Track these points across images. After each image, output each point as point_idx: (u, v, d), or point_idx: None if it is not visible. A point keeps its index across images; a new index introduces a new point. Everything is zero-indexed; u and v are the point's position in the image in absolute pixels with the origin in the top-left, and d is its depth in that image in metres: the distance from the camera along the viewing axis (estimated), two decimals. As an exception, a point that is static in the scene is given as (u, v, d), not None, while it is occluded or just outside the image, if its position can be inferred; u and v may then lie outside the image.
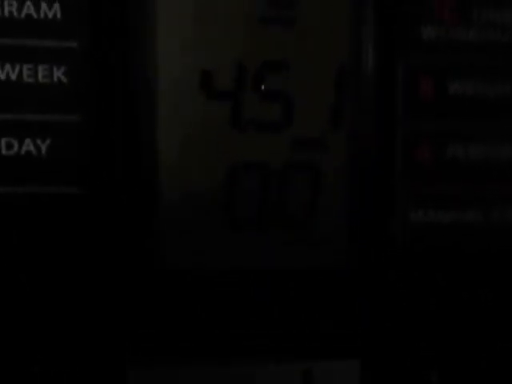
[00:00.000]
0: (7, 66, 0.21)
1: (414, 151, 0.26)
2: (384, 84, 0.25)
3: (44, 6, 0.21)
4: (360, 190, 0.26)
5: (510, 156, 0.26)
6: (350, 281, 0.25)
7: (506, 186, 0.26)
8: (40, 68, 0.22)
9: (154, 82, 0.24)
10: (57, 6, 0.21)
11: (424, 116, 0.26)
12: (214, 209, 0.25)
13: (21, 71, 0.21)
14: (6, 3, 0.21)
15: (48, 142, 0.22)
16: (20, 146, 0.22)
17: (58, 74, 0.22)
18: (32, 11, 0.21)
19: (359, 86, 0.26)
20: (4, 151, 0.21)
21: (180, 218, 0.25)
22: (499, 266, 0.26)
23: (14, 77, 0.21)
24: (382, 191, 0.26)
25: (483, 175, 0.26)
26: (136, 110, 0.23)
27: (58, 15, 0.21)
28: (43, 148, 0.22)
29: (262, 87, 0.25)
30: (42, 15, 0.21)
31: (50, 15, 0.21)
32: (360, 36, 0.25)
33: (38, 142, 0.22)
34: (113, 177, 0.22)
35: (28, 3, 0.21)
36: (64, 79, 0.22)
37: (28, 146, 0.22)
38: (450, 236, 0.26)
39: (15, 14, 0.21)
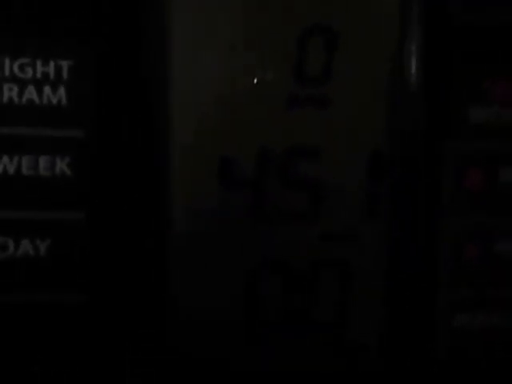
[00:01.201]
0: (5, 159, 0.19)
1: (460, 249, 0.23)
2: (427, 173, 0.23)
3: (47, 90, 0.19)
4: (397, 292, 0.23)
5: None
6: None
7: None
8: (41, 159, 0.19)
9: (167, 172, 0.21)
10: (62, 90, 0.19)
11: (472, 209, 0.23)
12: (232, 315, 0.23)
13: (19, 163, 0.19)
14: (5, 87, 0.19)
15: (48, 242, 0.19)
16: (16, 247, 0.19)
17: (62, 165, 0.19)
18: (34, 96, 0.19)
19: (396, 173, 0.23)
20: (-2, 253, 0.19)
21: (195, 324, 0.22)
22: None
23: (11, 170, 0.19)
24: (421, 293, 0.23)
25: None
26: (149, 206, 0.21)
27: (63, 101, 0.19)
28: (42, 249, 0.19)
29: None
30: (44, 101, 0.19)
31: (55, 101, 0.19)
32: (402, 119, 0.23)
33: (37, 242, 0.19)
34: (120, 283, 0.20)
35: (30, 87, 0.19)
36: (67, 171, 0.19)
37: (25, 246, 0.19)
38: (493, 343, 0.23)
39: (15, 99, 0.19)
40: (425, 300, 0.23)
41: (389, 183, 0.23)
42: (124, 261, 0.20)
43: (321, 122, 0.22)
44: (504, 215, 0.23)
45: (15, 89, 0.19)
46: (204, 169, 0.22)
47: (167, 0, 0.20)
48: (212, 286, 0.22)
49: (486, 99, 0.23)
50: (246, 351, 0.23)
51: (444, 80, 0.22)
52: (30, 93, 0.19)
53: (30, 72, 0.19)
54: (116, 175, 0.19)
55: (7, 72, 0.19)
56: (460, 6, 0.22)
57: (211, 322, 0.22)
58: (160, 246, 0.21)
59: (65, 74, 0.19)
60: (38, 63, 0.19)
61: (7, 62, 0.19)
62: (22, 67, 0.19)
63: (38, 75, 0.19)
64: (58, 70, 0.19)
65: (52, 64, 0.19)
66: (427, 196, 0.23)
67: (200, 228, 0.22)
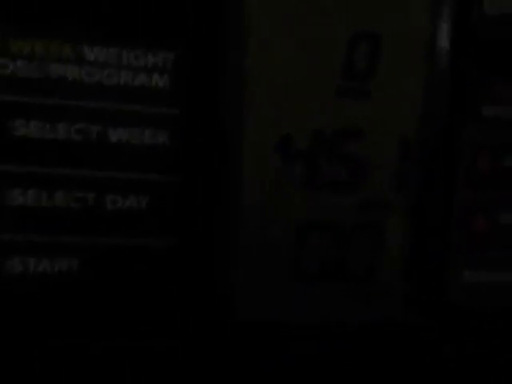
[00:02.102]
0: (120, 129, 0.24)
1: (469, 220, 0.28)
2: (445, 156, 0.28)
3: (156, 76, 0.24)
4: (418, 253, 0.28)
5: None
6: (405, 335, 0.28)
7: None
8: (146, 132, 0.24)
9: (239, 145, 0.26)
10: (166, 76, 0.24)
11: (480, 187, 0.28)
12: (284, 262, 0.27)
13: (130, 134, 0.24)
14: (122, 73, 0.23)
15: (147, 198, 0.24)
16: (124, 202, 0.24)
17: (163, 137, 0.24)
18: (144, 81, 0.24)
19: (422, 157, 0.28)
20: (109, 206, 0.24)
21: (254, 269, 0.27)
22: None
23: (124, 138, 0.24)
24: (438, 253, 0.28)
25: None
26: (225, 171, 0.25)
27: (167, 85, 0.24)
28: (143, 204, 0.24)
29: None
30: (153, 83, 0.24)
31: (161, 84, 0.24)
32: (429, 111, 0.28)
33: (140, 198, 0.24)
34: (202, 230, 0.24)
35: (142, 74, 0.24)
36: (167, 142, 0.24)
37: (131, 201, 0.24)
38: (501, 296, 0.29)
39: (130, 82, 0.23)
40: (441, 258, 0.28)
41: (415, 163, 0.28)
42: (208, 212, 0.24)
43: (363, 110, 0.27)
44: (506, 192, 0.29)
45: (130, 74, 0.23)
46: (268, 145, 0.27)
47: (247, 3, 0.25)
48: (270, 239, 0.27)
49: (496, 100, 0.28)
50: (293, 298, 0.28)
51: (463, 84, 0.27)
52: (142, 78, 0.24)
53: (142, 61, 0.23)
54: (203, 148, 0.24)
55: (125, 61, 0.23)
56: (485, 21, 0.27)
57: (266, 272, 0.28)
58: (231, 206, 0.26)
59: (169, 64, 0.23)
60: (150, 54, 0.23)
61: (124, 52, 0.23)
62: (136, 57, 0.23)
63: (149, 65, 0.23)
64: (165, 60, 0.23)
65: (160, 55, 0.23)
66: (445, 176, 0.28)
67: (263, 195, 0.27)
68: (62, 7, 0.23)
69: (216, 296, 0.26)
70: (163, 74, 0.24)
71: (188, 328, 0.25)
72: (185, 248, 0.24)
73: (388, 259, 0.29)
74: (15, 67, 0.23)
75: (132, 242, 0.24)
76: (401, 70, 0.28)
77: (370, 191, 0.28)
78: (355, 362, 0.27)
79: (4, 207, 0.23)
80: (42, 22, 0.22)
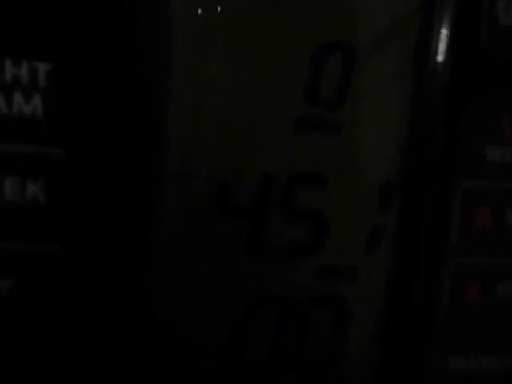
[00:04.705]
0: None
1: (463, 289, 0.22)
2: (436, 209, 0.21)
3: (18, 97, 0.15)
4: (393, 333, 0.22)
5: None
6: None
7: None
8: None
9: (158, 197, 0.18)
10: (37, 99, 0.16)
11: (478, 249, 0.22)
12: (217, 351, 0.20)
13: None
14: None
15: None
16: None
17: (33, 189, 0.16)
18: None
19: (406, 208, 0.21)
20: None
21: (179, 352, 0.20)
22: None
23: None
24: (419, 334, 0.22)
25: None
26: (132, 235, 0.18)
27: (38, 113, 0.16)
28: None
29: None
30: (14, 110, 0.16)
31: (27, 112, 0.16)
32: (417, 148, 0.21)
33: None
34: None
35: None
36: (40, 197, 0.16)
37: None
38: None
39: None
40: (422, 341, 0.22)
41: (395, 219, 0.21)
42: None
43: (331, 147, 0.20)
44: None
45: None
46: (201, 192, 0.19)
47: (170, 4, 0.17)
48: (200, 317, 0.20)
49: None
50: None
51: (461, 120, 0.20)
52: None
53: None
54: (98, 202, 0.16)
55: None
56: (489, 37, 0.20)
57: (195, 354, 0.20)
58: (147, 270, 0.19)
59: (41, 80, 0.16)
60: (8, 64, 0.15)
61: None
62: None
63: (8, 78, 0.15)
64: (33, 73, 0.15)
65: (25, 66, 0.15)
66: (435, 232, 0.21)
67: (193, 254, 0.20)
68: None
69: None
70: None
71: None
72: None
73: (354, 342, 0.22)
74: None
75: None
76: (381, 93, 0.21)
77: (333, 255, 0.21)
78: None
79: None
80: None
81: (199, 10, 0.18)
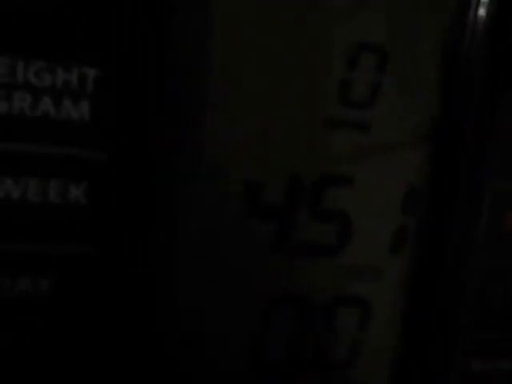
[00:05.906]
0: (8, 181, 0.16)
1: (485, 292, 0.22)
2: (464, 210, 0.22)
3: (67, 102, 0.16)
4: (414, 333, 0.22)
5: None
6: None
7: None
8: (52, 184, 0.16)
9: (188, 198, 0.19)
10: (85, 104, 0.16)
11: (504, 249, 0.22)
12: (240, 351, 0.21)
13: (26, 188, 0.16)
14: (16, 96, 0.15)
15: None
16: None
17: (76, 192, 0.16)
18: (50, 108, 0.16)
19: (432, 209, 0.22)
20: None
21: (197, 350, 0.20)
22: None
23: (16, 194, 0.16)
24: (440, 336, 0.22)
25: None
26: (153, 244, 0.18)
27: (86, 117, 0.16)
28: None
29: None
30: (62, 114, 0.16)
31: (75, 116, 0.16)
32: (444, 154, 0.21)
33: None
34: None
35: (46, 98, 0.16)
36: (83, 200, 0.16)
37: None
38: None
39: (28, 111, 0.15)
40: (442, 343, 0.22)
41: (418, 222, 0.22)
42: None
43: (358, 148, 0.21)
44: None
45: (28, 98, 0.15)
46: (231, 192, 0.20)
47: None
48: (224, 316, 0.20)
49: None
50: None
51: (492, 122, 0.21)
52: (46, 104, 0.16)
53: (47, 79, 0.16)
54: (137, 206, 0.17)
55: (20, 78, 0.15)
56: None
57: (218, 353, 0.21)
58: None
59: (89, 85, 0.16)
60: (59, 70, 0.15)
61: (20, 65, 0.15)
62: (37, 73, 0.15)
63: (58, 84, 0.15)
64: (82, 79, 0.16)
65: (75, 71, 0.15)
66: (460, 234, 0.22)
67: (219, 253, 0.20)
68: None
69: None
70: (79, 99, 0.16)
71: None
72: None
73: (375, 343, 0.22)
74: None
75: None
76: (410, 95, 0.21)
77: (358, 255, 0.22)
78: None
79: None
80: None
81: (239, 11, 0.18)
